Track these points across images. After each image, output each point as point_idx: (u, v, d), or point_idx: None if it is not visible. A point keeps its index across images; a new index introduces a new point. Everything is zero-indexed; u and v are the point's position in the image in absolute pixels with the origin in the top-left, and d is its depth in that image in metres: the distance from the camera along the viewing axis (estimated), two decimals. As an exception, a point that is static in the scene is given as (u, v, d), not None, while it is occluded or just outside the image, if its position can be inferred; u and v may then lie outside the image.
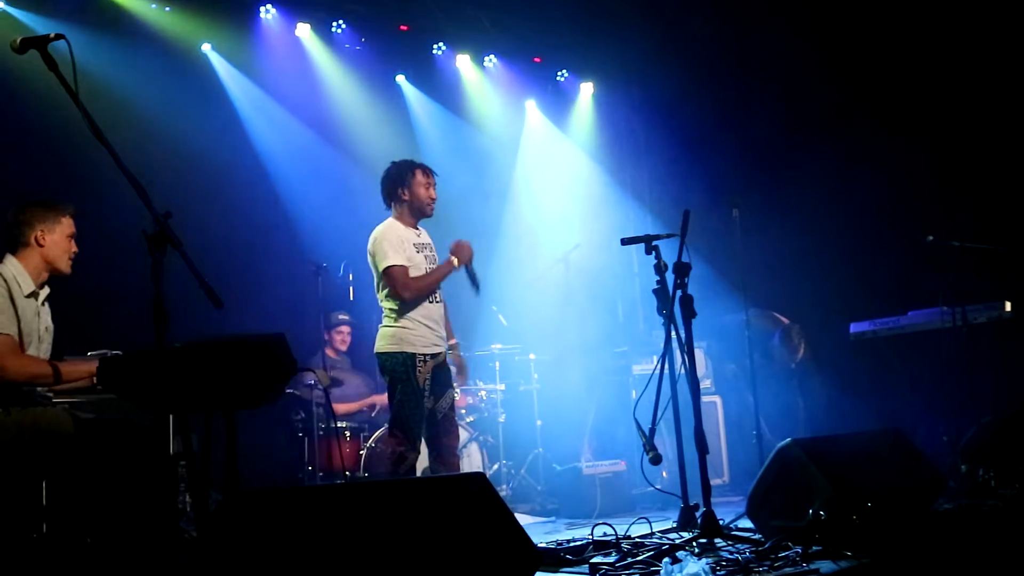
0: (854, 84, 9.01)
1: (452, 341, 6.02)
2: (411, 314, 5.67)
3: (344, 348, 8.62)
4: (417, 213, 5.94)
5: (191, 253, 3.84)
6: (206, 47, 8.81)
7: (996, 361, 7.29)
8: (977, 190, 8.24)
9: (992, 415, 6.82)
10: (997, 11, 8.21)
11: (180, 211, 4.17)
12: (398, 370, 5.60)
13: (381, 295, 5.77)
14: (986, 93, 8.36)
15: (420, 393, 5.60)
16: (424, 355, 5.66)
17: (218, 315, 3.85)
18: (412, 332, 5.66)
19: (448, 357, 5.90)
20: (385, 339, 5.69)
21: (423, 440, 5.72)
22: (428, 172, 5.98)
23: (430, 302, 5.76)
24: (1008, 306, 7.38)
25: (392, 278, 5.65)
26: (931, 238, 7.10)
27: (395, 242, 5.71)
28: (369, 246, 5.78)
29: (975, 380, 6.96)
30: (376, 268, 5.74)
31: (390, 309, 5.71)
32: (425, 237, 6.01)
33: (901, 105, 8.73)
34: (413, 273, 5.71)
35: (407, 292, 5.64)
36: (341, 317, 8.54)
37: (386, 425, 6.22)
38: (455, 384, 6.10)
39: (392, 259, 5.65)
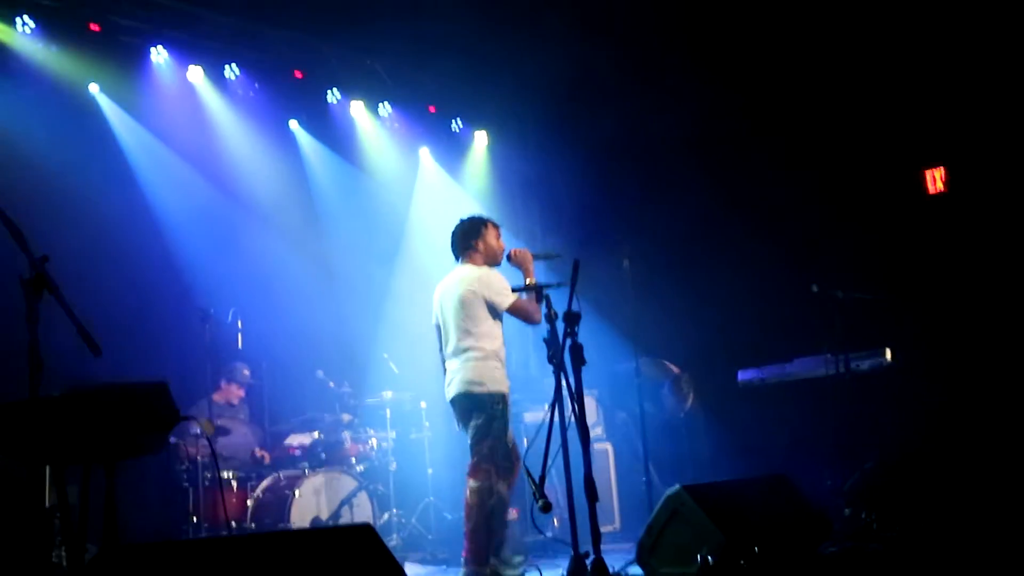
0: (744, 133, 9.22)
1: None
2: (498, 354, 6.08)
3: (236, 403, 8.49)
4: (491, 262, 6.30)
5: (74, 298, 3.76)
6: (94, 88, 8.62)
7: (878, 407, 7.48)
8: (861, 241, 8.47)
9: (874, 460, 6.97)
10: (885, 64, 8.50)
11: (63, 254, 4.07)
12: (496, 408, 5.97)
13: (472, 335, 6.06)
14: (873, 145, 8.62)
15: (506, 429, 6.04)
16: (508, 394, 6.09)
17: (101, 362, 3.75)
18: (500, 372, 6.06)
19: None
20: (479, 380, 5.99)
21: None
22: (497, 225, 6.45)
23: (504, 344, 6.18)
24: (888, 354, 7.57)
25: (522, 309, 6.07)
26: (816, 287, 7.26)
27: (503, 279, 6.14)
28: (470, 288, 6.10)
29: (858, 426, 7.12)
30: (491, 309, 6.06)
31: (480, 349, 6.04)
32: None
33: (789, 156, 8.95)
34: None
35: (538, 315, 5.91)
36: (245, 373, 8.38)
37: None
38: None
39: (512, 295, 6.06)
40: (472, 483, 5.94)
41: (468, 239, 6.34)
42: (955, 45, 8.13)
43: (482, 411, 5.97)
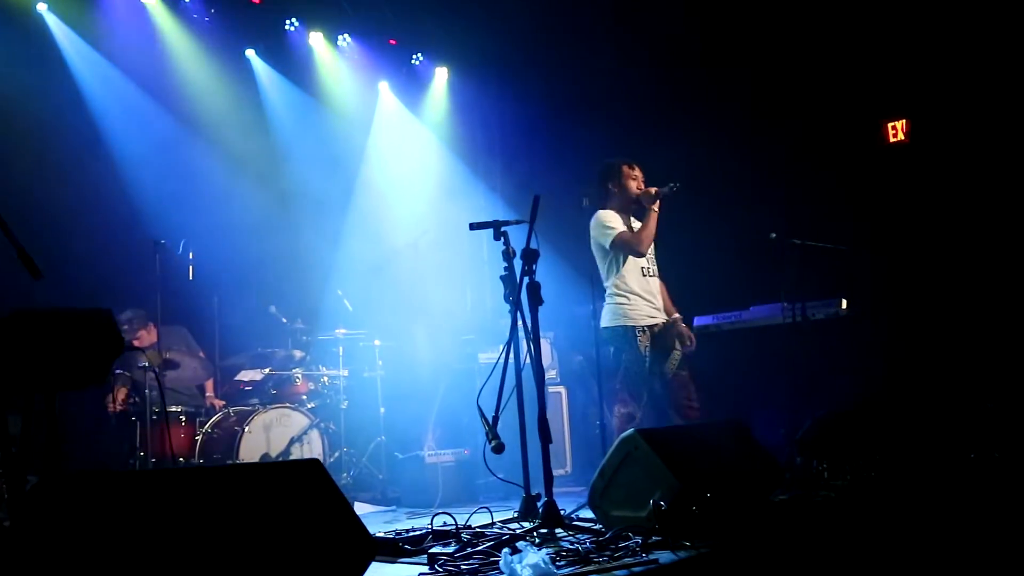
0: (707, 81, 9.15)
1: (675, 315, 6.49)
2: (630, 289, 6.33)
3: (148, 345, 7.80)
4: (625, 204, 6.49)
5: (13, 221, 3.60)
6: (41, 7, 8.37)
7: (832, 357, 7.50)
8: (820, 189, 8.44)
9: (826, 409, 6.99)
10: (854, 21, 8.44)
11: (5, 177, 3.92)
12: (621, 342, 6.29)
13: (604, 275, 6.44)
14: (833, 95, 8.57)
15: (642, 360, 6.22)
16: (643, 327, 6.27)
17: (47, 291, 3.62)
18: (631, 307, 6.30)
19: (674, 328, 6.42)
20: (608, 315, 6.38)
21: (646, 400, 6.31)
22: (633, 165, 6.58)
23: (644, 275, 6.39)
24: (844, 304, 7.59)
25: (624, 243, 6.30)
26: (774, 235, 7.24)
27: (612, 217, 6.35)
28: (591, 234, 6.43)
29: (812, 375, 7.13)
30: (603, 248, 6.37)
31: (613, 287, 6.36)
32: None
33: (752, 103, 8.89)
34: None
35: (641, 246, 6.29)
36: (123, 322, 7.92)
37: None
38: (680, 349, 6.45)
39: (615, 229, 6.30)
40: (618, 408, 6.38)
41: (605, 183, 6.57)
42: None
43: (612, 344, 6.37)
